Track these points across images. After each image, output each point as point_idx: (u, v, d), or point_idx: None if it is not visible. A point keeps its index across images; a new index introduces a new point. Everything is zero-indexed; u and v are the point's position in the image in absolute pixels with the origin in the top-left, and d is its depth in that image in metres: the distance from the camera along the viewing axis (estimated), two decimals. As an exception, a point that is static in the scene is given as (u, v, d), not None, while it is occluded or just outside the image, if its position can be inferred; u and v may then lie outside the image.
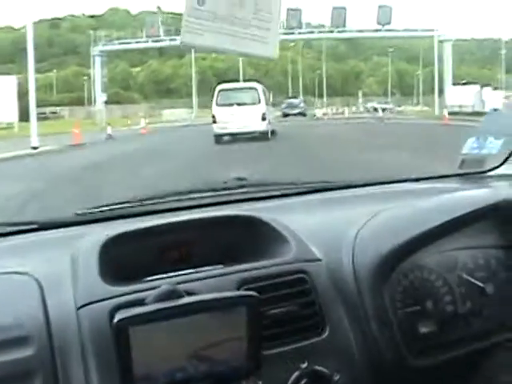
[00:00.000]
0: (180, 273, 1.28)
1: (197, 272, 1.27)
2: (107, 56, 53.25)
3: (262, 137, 19.15)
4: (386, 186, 1.96)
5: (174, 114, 44.83)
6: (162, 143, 21.20)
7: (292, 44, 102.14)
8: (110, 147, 21.01)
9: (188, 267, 1.31)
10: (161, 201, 1.74)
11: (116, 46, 50.44)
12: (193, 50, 76.88)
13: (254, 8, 1.16)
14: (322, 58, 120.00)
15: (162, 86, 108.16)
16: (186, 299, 1.06)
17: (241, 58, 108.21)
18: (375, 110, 76.02)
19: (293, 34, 47.97)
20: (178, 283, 1.14)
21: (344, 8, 47.10)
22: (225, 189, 1.81)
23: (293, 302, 1.24)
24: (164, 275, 1.27)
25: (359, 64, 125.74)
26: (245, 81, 36.70)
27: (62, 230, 1.56)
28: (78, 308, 1.13)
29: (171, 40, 49.47)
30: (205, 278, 1.22)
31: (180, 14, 1.16)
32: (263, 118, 19.78)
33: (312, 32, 48.68)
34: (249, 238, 1.39)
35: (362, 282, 1.31)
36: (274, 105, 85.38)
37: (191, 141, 22.77)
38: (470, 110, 43.07)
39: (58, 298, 1.16)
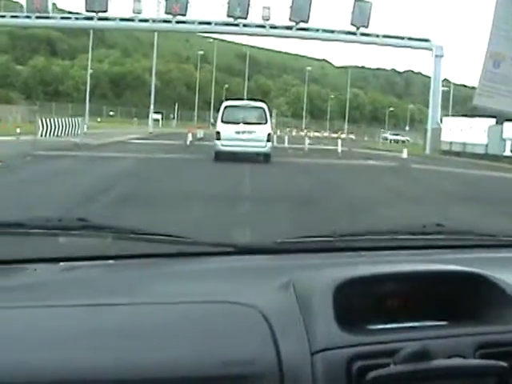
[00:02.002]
0: (406, 325, 1.17)
1: (428, 328, 1.17)
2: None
3: (264, 159, 18.23)
4: None
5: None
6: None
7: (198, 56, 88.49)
8: None
9: (406, 318, 1.20)
10: (358, 238, 1.67)
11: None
12: (90, 50, 61.54)
13: None
14: (227, 72, 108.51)
15: (50, 87, 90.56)
16: (438, 363, 1.01)
17: (141, 65, 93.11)
18: (388, 140, 65.19)
19: (237, 25, 33.50)
20: (412, 339, 1.08)
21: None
22: (424, 233, 1.73)
23: None
24: (390, 326, 1.16)
25: (267, 82, 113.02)
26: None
27: (261, 256, 1.52)
28: (313, 353, 1.05)
29: (64, 18, 33.43)
30: (441, 337, 1.12)
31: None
32: (268, 140, 18.52)
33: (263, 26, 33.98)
34: (472, 295, 1.25)
35: None
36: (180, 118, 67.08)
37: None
38: (481, 150, 30.40)
39: (291, 338, 1.07)
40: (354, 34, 33.75)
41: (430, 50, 34.56)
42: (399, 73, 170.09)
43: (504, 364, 1.04)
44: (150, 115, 45.71)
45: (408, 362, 0.99)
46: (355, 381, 1.00)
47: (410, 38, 34.63)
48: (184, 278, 1.35)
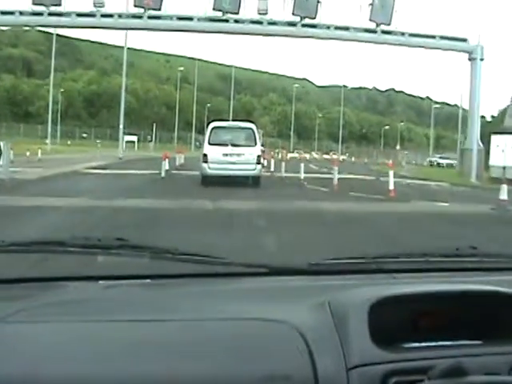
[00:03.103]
0: (440, 344, 1.15)
1: (463, 347, 1.15)
2: None
3: (253, 183, 16.66)
4: None
5: None
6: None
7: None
8: None
9: (440, 337, 1.18)
10: (391, 260, 1.65)
11: None
12: (52, 66, 53.26)
13: None
14: (209, 91, 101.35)
15: (19, 108, 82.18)
16: (472, 379, 0.98)
17: (118, 83, 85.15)
18: (438, 165, 57.54)
19: (227, 21, 25.70)
20: (447, 357, 1.06)
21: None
22: (457, 255, 1.72)
23: None
24: (425, 344, 1.15)
25: (251, 100, 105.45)
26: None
27: (294, 277, 1.50)
28: (349, 369, 1.04)
29: (4, 13, 25.54)
30: (475, 355, 1.10)
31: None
32: (258, 162, 16.87)
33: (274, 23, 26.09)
34: (505, 316, 1.22)
35: None
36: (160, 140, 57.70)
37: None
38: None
39: (327, 354, 1.06)
40: (373, 32, 26.07)
41: (468, 52, 27.04)
42: (381, 91, 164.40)
43: None
44: (120, 137, 37.31)
45: (442, 378, 0.97)
46: None
47: (443, 37, 26.94)
48: (219, 297, 1.33)
